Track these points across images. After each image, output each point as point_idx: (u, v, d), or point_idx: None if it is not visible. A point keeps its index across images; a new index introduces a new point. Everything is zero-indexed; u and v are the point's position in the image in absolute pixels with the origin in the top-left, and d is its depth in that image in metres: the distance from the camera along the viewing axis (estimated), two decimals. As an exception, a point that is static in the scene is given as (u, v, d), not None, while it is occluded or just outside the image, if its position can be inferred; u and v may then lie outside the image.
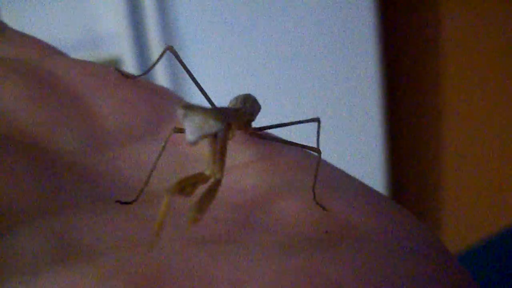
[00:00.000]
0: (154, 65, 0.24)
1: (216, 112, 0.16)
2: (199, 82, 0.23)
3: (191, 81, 0.23)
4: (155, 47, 0.90)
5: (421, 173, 1.26)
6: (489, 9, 1.09)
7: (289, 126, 0.24)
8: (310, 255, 0.15)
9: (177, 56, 0.23)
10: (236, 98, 0.23)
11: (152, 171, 0.18)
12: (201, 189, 0.16)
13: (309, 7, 0.95)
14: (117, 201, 0.17)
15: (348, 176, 0.21)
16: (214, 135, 0.17)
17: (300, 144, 0.21)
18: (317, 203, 0.18)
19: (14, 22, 0.96)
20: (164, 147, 0.18)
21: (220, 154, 0.17)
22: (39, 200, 0.15)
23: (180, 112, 0.15)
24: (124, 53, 0.90)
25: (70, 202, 0.16)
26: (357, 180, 0.21)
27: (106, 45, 0.92)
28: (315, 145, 0.22)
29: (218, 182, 0.16)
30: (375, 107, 1.01)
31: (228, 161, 0.18)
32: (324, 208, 0.18)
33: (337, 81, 0.99)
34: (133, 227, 0.15)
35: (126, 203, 0.16)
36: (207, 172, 0.17)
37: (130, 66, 0.90)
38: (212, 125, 0.15)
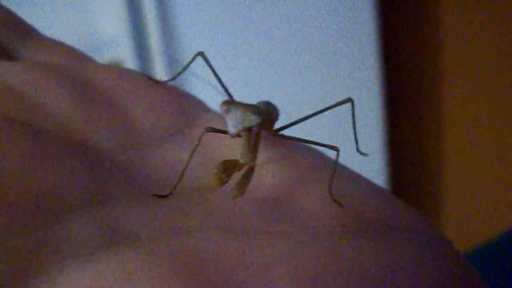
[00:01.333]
0: (183, 70, 0.25)
1: (254, 108, 0.18)
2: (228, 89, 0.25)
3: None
4: (156, 51, 0.91)
5: (422, 173, 1.27)
6: (488, 6, 1.10)
7: (305, 126, 0.25)
8: (333, 244, 0.16)
9: (208, 62, 0.24)
10: (258, 103, 0.24)
11: (186, 167, 0.19)
12: (237, 175, 0.18)
13: (309, 5, 0.96)
14: (154, 195, 0.18)
15: (357, 175, 0.23)
16: (250, 129, 0.19)
17: (318, 143, 0.22)
18: (334, 200, 0.19)
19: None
20: (197, 145, 0.19)
21: (254, 146, 0.19)
22: (89, 192, 0.17)
23: (223, 107, 0.17)
24: (125, 57, 0.91)
25: (114, 194, 0.17)
26: (365, 178, 0.22)
27: (107, 48, 0.93)
28: (350, 127, 0.25)
29: (252, 169, 0.18)
30: (375, 105, 1.01)
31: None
32: (340, 205, 0.19)
33: (336, 80, 1.00)
34: (171, 217, 0.16)
35: (162, 196, 0.18)
36: (242, 161, 0.19)
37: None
38: (252, 119, 0.18)
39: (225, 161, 0.17)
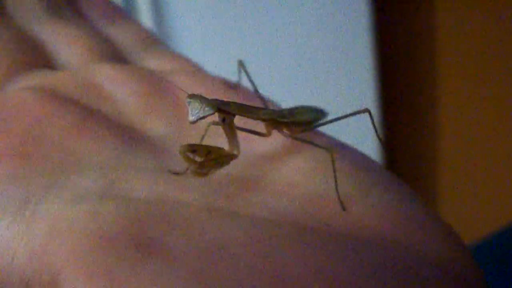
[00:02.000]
0: (239, 79, 0.28)
1: (210, 100, 0.21)
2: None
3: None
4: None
5: (417, 171, 1.27)
6: (483, 5, 1.11)
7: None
8: (288, 240, 0.17)
9: (245, 69, 0.28)
10: (292, 107, 0.27)
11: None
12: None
13: (304, 6, 0.96)
14: (169, 170, 0.22)
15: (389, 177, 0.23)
16: (223, 121, 0.22)
17: (311, 142, 0.24)
18: (340, 201, 0.20)
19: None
20: (205, 134, 0.24)
21: (230, 136, 0.22)
22: (111, 158, 0.21)
23: (187, 99, 0.21)
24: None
25: (134, 165, 0.21)
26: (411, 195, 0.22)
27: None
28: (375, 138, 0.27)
29: (232, 157, 0.22)
30: (371, 104, 1.02)
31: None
32: (343, 208, 0.20)
33: (332, 79, 1.00)
34: (169, 188, 0.20)
35: (175, 173, 0.22)
36: (228, 150, 0.22)
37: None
38: (207, 110, 0.21)
39: (203, 155, 0.21)
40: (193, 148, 0.20)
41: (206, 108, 0.20)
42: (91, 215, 0.17)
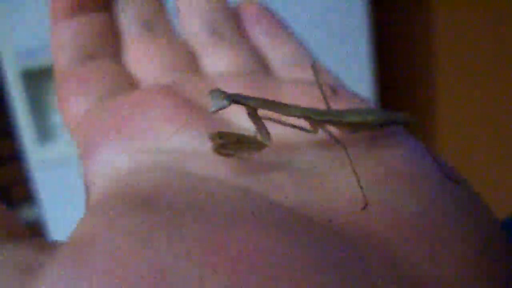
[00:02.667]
0: (317, 81, 0.28)
1: (226, 94, 0.23)
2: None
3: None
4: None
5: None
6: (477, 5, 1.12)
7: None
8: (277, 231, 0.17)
9: (318, 73, 0.28)
10: (356, 108, 0.27)
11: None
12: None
13: (301, 5, 0.97)
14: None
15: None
16: (248, 113, 0.24)
17: (331, 134, 0.25)
18: (364, 197, 0.20)
19: (4, 21, 0.98)
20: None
21: (257, 127, 0.24)
22: (184, 142, 0.24)
23: (209, 92, 0.23)
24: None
25: (199, 151, 0.24)
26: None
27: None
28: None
29: (261, 145, 0.23)
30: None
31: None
32: (365, 205, 0.20)
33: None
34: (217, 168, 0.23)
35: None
36: (257, 138, 0.24)
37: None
38: (222, 103, 0.23)
39: (227, 134, 0.23)
40: (222, 135, 0.22)
41: (223, 101, 0.23)
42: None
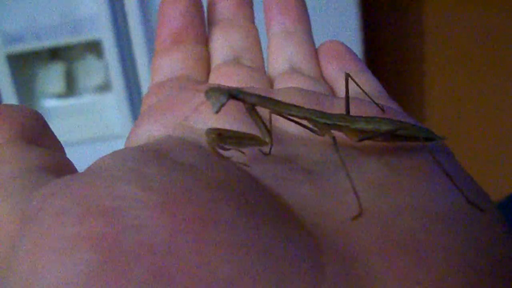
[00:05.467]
0: (347, 94, 0.27)
1: (223, 89, 0.23)
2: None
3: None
4: (135, 30, 0.92)
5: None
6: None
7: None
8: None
9: (355, 81, 0.28)
10: (371, 116, 0.26)
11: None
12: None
13: None
14: (260, 149, 0.25)
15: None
16: (249, 113, 0.24)
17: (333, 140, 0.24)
18: (359, 206, 0.19)
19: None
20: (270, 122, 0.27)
21: (256, 125, 0.24)
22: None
23: (204, 93, 0.23)
24: (103, 36, 0.92)
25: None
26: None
27: (85, 28, 0.93)
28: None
29: (261, 142, 0.23)
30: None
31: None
32: (358, 215, 0.19)
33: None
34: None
35: (263, 153, 0.25)
36: (260, 138, 0.24)
37: (110, 49, 0.92)
38: (220, 99, 0.22)
39: (223, 132, 0.22)
40: (220, 131, 0.22)
41: (220, 97, 0.22)
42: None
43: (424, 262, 0.17)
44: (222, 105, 0.22)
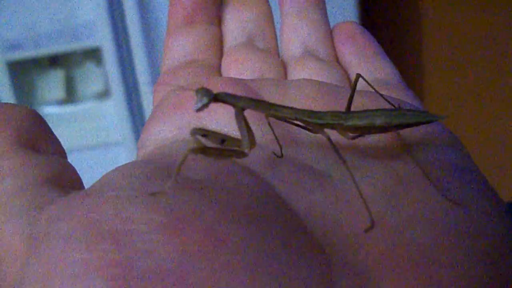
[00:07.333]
0: (352, 93, 0.26)
1: (208, 91, 0.22)
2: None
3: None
4: (134, 37, 0.92)
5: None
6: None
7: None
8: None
9: (369, 83, 0.27)
10: (371, 110, 0.25)
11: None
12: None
13: None
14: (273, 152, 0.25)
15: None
16: (236, 116, 0.23)
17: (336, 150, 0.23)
18: (371, 218, 0.19)
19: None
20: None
21: (240, 130, 0.23)
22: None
23: (194, 92, 0.23)
24: (103, 43, 0.92)
25: None
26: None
27: (85, 35, 0.94)
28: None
29: (240, 154, 0.22)
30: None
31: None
32: (370, 227, 0.19)
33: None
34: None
35: (276, 155, 0.24)
36: (240, 144, 0.23)
37: (109, 56, 0.92)
38: (203, 100, 0.22)
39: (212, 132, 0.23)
40: (205, 133, 0.22)
41: (203, 98, 0.22)
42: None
43: (434, 279, 0.17)
44: (205, 105, 0.22)
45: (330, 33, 0.33)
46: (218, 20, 0.34)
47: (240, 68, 0.30)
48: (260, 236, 0.17)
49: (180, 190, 0.19)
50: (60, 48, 0.94)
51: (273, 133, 0.24)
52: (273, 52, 0.33)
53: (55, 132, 0.24)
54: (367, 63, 0.32)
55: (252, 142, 0.22)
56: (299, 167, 0.22)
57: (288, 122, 0.25)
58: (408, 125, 0.24)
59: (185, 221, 0.17)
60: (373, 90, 0.27)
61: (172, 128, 0.26)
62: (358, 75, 0.26)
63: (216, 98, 0.22)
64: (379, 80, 0.30)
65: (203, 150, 0.21)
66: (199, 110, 0.22)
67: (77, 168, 0.23)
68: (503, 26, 1.11)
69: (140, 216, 0.17)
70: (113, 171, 0.20)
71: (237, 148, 0.22)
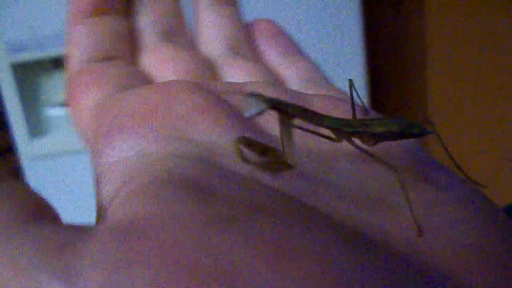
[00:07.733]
0: (352, 99, 0.26)
1: (265, 97, 0.20)
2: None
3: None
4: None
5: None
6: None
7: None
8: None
9: (355, 90, 0.26)
10: (379, 117, 0.25)
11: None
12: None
13: (295, 2, 0.97)
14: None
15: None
16: (281, 123, 0.21)
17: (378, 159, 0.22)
18: (417, 223, 0.18)
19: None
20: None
21: (286, 141, 0.21)
22: (212, 139, 0.23)
23: (245, 96, 0.20)
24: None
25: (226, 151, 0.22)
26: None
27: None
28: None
29: (285, 165, 0.20)
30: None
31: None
32: (420, 231, 0.18)
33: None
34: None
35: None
36: (280, 154, 0.21)
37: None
38: (259, 105, 0.20)
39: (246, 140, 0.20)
40: (249, 142, 0.20)
41: (262, 105, 0.20)
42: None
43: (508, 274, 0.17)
44: (260, 112, 0.20)
45: (248, 31, 0.32)
46: (125, 12, 0.31)
47: (166, 69, 0.28)
48: (328, 246, 0.15)
49: (220, 208, 0.16)
50: (64, 50, 0.94)
51: (291, 141, 0.22)
52: (197, 51, 0.31)
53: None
54: (293, 63, 0.31)
55: (295, 155, 0.21)
56: (330, 185, 0.21)
57: (310, 131, 0.23)
58: (412, 136, 0.24)
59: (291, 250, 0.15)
60: (328, 95, 0.27)
61: (153, 143, 0.22)
62: (350, 81, 0.26)
63: (273, 105, 0.20)
64: (308, 80, 0.30)
65: (247, 159, 0.19)
66: (252, 116, 0.20)
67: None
68: (508, 30, 1.11)
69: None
70: (145, 202, 0.17)
71: (283, 160, 0.20)
